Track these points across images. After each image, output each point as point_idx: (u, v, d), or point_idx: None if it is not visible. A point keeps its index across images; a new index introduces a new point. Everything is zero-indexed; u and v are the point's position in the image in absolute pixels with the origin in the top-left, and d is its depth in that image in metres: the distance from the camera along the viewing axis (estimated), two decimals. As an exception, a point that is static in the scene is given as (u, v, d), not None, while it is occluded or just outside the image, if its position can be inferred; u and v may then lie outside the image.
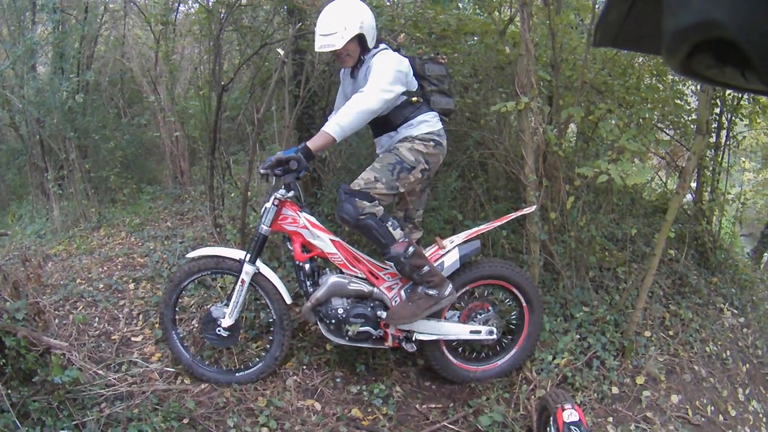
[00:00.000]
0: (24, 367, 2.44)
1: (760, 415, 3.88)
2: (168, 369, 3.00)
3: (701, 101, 3.41)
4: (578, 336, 3.37)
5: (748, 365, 4.19)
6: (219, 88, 3.77)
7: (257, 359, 3.03)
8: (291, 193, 2.72)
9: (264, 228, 2.74)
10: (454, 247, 2.86)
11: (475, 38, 3.76)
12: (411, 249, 2.65)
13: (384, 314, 2.80)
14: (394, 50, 2.77)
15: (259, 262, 2.80)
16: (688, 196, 4.30)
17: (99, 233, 4.94)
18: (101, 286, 3.75)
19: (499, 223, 2.94)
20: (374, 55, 2.68)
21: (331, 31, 2.59)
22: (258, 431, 2.70)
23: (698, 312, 4.17)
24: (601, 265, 3.82)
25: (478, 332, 2.96)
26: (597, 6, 3.59)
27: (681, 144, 3.52)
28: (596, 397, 3.26)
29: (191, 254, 2.93)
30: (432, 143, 2.75)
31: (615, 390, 3.35)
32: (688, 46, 0.40)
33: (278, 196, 2.70)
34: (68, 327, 3.25)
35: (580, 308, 3.50)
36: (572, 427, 2.20)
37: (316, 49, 2.67)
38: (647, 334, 3.72)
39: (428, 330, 2.89)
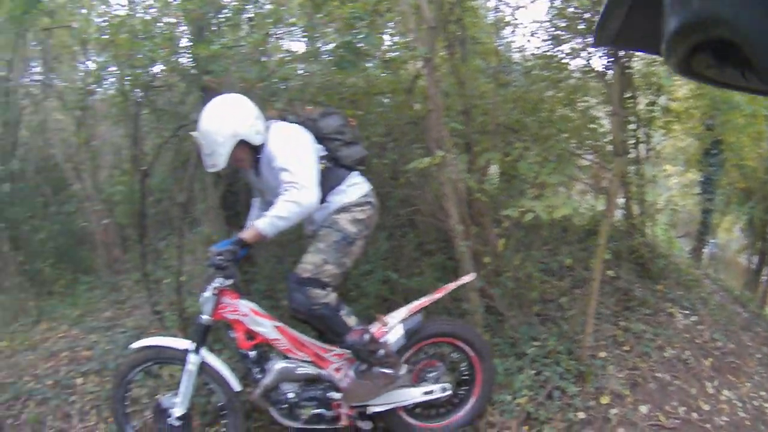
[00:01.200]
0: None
1: (734, 401, 3.94)
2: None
3: (613, 124, 3.52)
4: (533, 371, 3.38)
5: (710, 359, 4.26)
6: (140, 172, 3.69)
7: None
8: (230, 281, 2.65)
9: (205, 318, 2.67)
10: (397, 324, 2.84)
11: (387, 98, 3.73)
12: (367, 336, 2.63)
13: (335, 395, 2.77)
14: (291, 122, 2.69)
15: (203, 351, 2.73)
16: (618, 213, 4.43)
17: (40, 327, 4.75)
18: (50, 382, 3.66)
19: (439, 296, 2.92)
20: (267, 144, 2.57)
21: (209, 152, 2.53)
22: None
23: (649, 322, 4.25)
24: (544, 298, 3.86)
25: (432, 392, 2.94)
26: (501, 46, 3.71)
27: (602, 166, 3.63)
28: (564, 426, 3.25)
29: (135, 345, 2.86)
30: (368, 206, 2.72)
31: (582, 415, 3.35)
32: (688, 46, 0.40)
33: (217, 285, 2.63)
34: (22, 427, 3.30)
35: (530, 344, 3.51)
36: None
37: (207, 169, 2.65)
38: (602, 354, 3.76)
39: (382, 401, 2.84)
